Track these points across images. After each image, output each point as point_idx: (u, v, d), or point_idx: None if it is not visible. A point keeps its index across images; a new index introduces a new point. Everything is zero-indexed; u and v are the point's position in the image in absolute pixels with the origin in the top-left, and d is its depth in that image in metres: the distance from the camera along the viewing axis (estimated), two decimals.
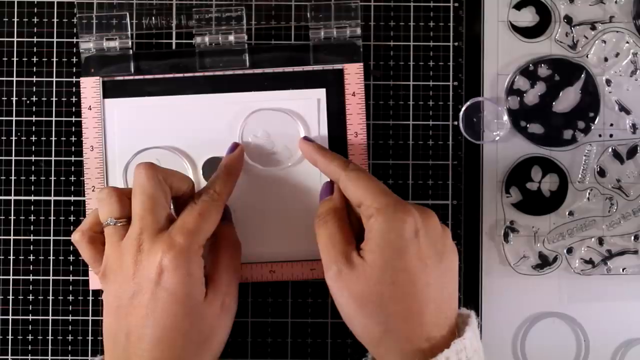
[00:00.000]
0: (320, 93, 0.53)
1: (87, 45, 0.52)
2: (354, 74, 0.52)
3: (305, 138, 0.51)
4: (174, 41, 0.54)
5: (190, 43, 0.54)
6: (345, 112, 0.52)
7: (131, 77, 0.53)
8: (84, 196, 0.54)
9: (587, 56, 0.54)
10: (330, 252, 0.45)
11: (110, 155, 0.53)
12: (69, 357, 0.53)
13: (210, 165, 0.52)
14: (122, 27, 0.52)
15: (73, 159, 0.54)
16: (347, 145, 0.52)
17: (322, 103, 0.52)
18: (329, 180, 0.50)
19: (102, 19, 0.52)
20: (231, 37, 0.52)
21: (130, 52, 0.52)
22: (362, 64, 0.52)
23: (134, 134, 0.53)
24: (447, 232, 0.46)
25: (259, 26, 0.54)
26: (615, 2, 0.54)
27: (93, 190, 0.52)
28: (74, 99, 0.54)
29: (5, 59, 0.54)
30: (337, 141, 0.52)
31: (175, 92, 0.53)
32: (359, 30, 0.52)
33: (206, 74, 0.53)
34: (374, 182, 0.46)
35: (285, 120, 0.52)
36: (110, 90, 0.53)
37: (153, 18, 0.53)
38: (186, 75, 0.53)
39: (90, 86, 0.53)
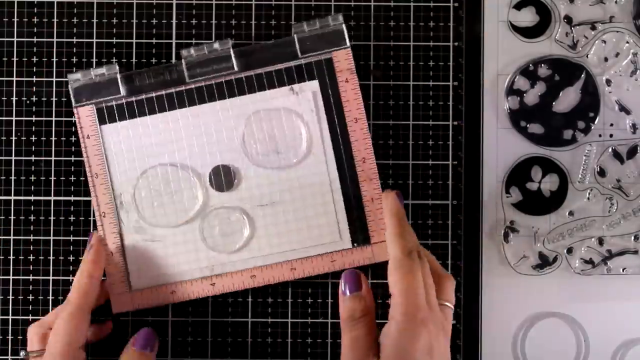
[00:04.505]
0: (314, 85, 0.52)
1: (75, 76, 0.52)
2: (343, 61, 0.52)
3: (398, 195, 0.50)
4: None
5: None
6: (341, 99, 0.52)
7: (124, 100, 0.52)
8: (84, 196, 0.54)
9: (587, 56, 0.54)
10: (352, 354, 0.46)
11: (116, 180, 0.52)
12: None
13: (217, 174, 0.52)
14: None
15: (73, 159, 0.54)
16: (348, 132, 0.52)
17: (317, 95, 0.52)
18: (353, 269, 0.49)
19: (95, 83, 0.52)
20: (216, 45, 0.52)
21: (118, 75, 0.52)
22: (349, 49, 0.52)
23: (136, 155, 0.52)
24: (449, 352, 0.47)
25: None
26: (615, 2, 0.54)
27: (104, 217, 0.52)
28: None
29: (5, 59, 0.54)
30: (338, 129, 0.52)
31: (170, 107, 0.52)
32: (340, 17, 0.52)
33: (197, 85, 0.52)
34: (417, 285, 0.46)
35: (284, 117, 0.52)
36: (106, 117, 0.52)
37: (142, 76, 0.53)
38: (178, 89, 0.52)
39: (85, 115, 0.52)
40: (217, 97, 0.52)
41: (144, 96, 0.52)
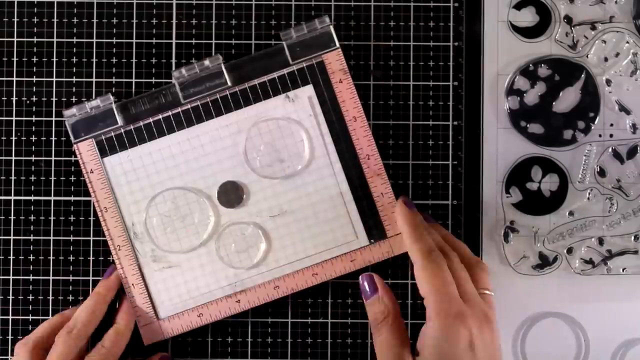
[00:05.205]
0: (309, 90, 0.52)
1: (71, 111, 0.52)
2: (335, 62, 0.52)
3: (405, 202, 0.51)
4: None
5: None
6: (337, 100, 0.52)
7: (122, 130, 0.52)
8: (84, 196, 0.54)
9: (587, 56, 0.54)
10: (385, 356, 0.46)
11: (125, 212, 0.52)
12: None
13: (224, 192, 0.52)
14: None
15: (73, 159, 0.54)
16: (349, 131, 0.52)
17: (313, 99, 0.52)
18: (369, 273, 0.50)
19: (91, 116, 0.52)
20: (207, 62, 0.52)
21: (114, 105, 0.52)
22: (339, 49, 0.52)
23: (142, 184, 0.52)
24: (499, 339, 0.46)
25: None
26: (615, 2, 0.54)
27: (119, 250, 0.52)
28: (74, 99, 0.54)
29: (5, 59, 0.54)
30: (338, 130, 0.52)
31: (169, 130, 0.52)
32: (327, 19, 0.52)
33: (193, 104, 0.52)
34: (443, 282, 0.46)
35: (283, 126, 0.52)
36: (106, 149, 0.52)
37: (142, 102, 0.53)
38: (174, 111, 0.52)
39: (85, 150, 0.52)
40: (214, 115, 0.52)
41: (141, 123, 0.52)
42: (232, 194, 0.52)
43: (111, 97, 0.52)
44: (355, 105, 0.52)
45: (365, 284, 0.49)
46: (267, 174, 0.52)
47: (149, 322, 0.52)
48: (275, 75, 0.52)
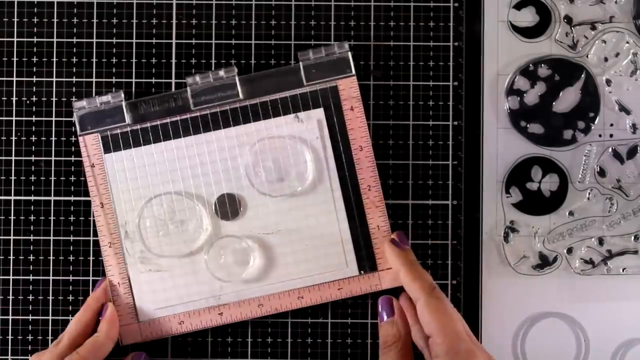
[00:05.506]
0: (319, 113, 0.52)
1: (81, 104, 0.52)
2: (348, 89, 0.52)
3: (393, 241, 0.51)
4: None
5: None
6: (346, 127, 0.52)
7: (129, 128, 0.52)
8: (84, 196, 0.54)
9: (587, 56, 0.54)
10: None
11: (120, 210, 0.52)
12: None
13: (222, 203, 0.52)
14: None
15: (73, 159, 0.54)
16: (353, 160, 0.52)
17: (322, 123, 0.52)
18: (388, 295, 0.51)
19: (100, 111, 0.52)
20: (221, 72, 0.52)
21: (124, 103, 0.52)
22: (355, 77, 0.52)
23: (141, 184, 0.52)
24: None
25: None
26: (615, 2, 0.54)
27: (110, 247, 0.52)
28: (73, 99, 0.54)
29: (5, 59, 0.54)
30: (343, 157, 0.52)
31: (175, 135, 0.52)
32: (346, 45, 0.52)
33: (202, 112, 0.52)
34: (450, 319, 0.45)
35: (289, 145, 0.52)
36: (110, 145, 0.52)
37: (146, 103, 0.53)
38: (183, 117, 0.52)
39: (90, 144, 0.52)
40: (222, 125, 0.52)
41: (148, 124, 0.52)
42: (229, 206, 0.52)
43: (122, 94, 0.52)
44: (363, 135, 0.52)
45: (383, 306, 0.50)
46: (267, 191, 0.52)
47: (129, 323, 0.52)
48: (287, 94, 0.52)
